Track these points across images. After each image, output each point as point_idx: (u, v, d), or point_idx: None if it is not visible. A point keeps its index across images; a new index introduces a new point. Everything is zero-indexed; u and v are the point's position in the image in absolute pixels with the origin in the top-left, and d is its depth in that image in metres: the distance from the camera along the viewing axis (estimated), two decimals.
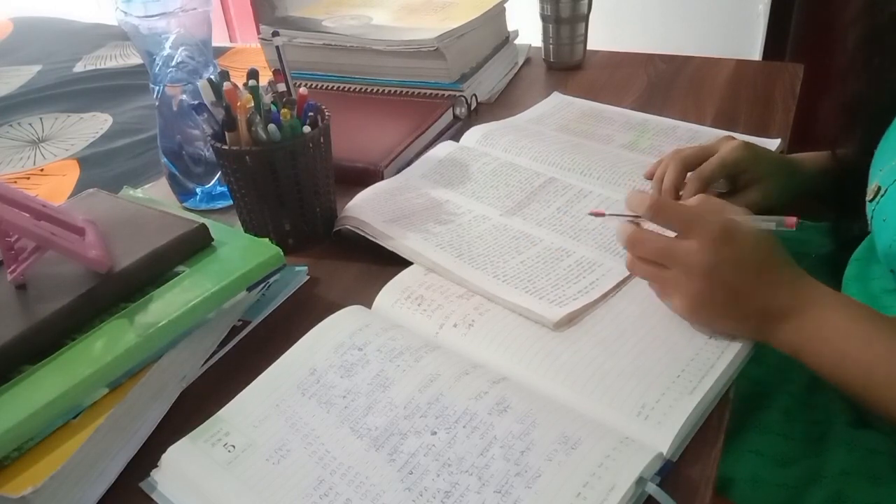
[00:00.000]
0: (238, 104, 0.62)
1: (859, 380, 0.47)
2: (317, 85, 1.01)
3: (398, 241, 0.64)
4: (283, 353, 0.53)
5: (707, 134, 0.78)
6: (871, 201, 0.57)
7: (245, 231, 0.69)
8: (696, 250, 0.49)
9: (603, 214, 0.57)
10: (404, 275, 0.61)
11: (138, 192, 0.73)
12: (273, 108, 0.63)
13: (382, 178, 0.78)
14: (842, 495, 0.55)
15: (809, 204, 0.71)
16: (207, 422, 0.49)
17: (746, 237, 0.50)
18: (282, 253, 0.60)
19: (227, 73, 0.64)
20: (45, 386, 0.46)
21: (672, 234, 0.52)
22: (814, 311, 0.49)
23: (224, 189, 0.75)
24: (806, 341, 0.49)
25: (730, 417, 0.48)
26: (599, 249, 0.61)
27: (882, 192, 0.56)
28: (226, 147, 0.63)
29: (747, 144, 0.66)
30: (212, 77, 0.63)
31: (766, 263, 0.50)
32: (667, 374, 0.48)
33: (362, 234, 0.66)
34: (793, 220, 0.51)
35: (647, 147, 0.79)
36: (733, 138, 0.67)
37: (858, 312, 0.50)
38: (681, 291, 0.51)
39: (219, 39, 1.31)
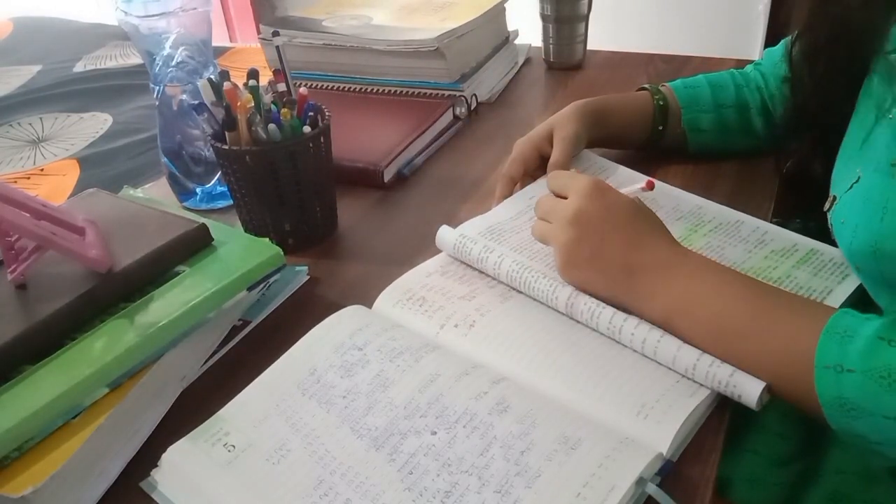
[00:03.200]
0: (238, 104, 0.62)
1: (734, 337, 0.47)
2: (317, 85, 1.01)
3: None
4: (283, 353, 0.53)
5: (775, 232, 0.63)
6: (828, 210, 0.58)
7: (245, 231, 0.69)
8: (569, 202, 0.54)
9: None
10: (406, 276, 0.61)
11: (138, 192, 0.73)
12: (273, 108, 0.63)
13: (383, 179, 0.78)
14: (838, 494, 0.55)
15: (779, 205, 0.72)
16: (207, 422, 0.49)
17: (615, 194, 0.54)
18: (282, 253, 0.60)
19: (227, 72, 0.64)
20: (45, 386, 0.46)
21: None
22: (683, 271, 0.50)
23: (224, 189, 0.76)
24: (676, 300, 0.49)
25: (728, 417, 0.48)
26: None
27: (836, 199, 0.58)
28: (226, 147, 0.63)
29: (574, 116, 0.72)
30: (212, 77, 0.63)
31: (633, 220, 0.53)
32: (667, 375, 0.48)
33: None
34: (647, 182, 0.59)
35: (702, 246, 0.61)
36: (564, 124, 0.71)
37: (729, 273, 0.50)
38: (555, 242, 0.54)
39: (219, 39, 1.31)
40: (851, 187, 0.55)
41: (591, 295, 0.53)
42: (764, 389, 0.45)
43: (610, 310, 0.52)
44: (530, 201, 0.68)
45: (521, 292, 0.58)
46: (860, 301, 0.56)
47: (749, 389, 0.45)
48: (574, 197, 0.54)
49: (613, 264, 0.51)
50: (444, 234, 0.63)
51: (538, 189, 0.71)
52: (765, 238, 0.62)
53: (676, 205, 0.67)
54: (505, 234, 0.64)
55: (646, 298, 0.51)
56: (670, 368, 0.49)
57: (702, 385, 0.47)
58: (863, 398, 0.41)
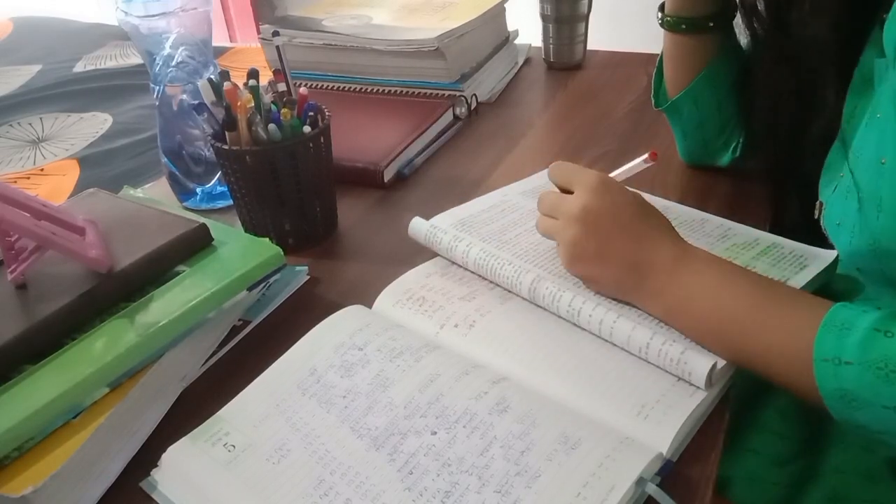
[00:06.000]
0: (238, 104, 0.62)
1: (733, 331, 0.47)
2: (317, 85, 1.01)
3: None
4: (283, 353, 0.53)
5: (739, 228, 0.64)
6: (818, 217, 0.59)
7: (245, 231, 0.69)
8: (575, 198, 0.54)
9: None
10: (406, 277, 0.61)
11: (138, 192, 0.73)
12: (273, 107, 0.63)
13: (383, 179, 0.78)
14: (838, 494, 0.55)
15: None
16: (207, 422, 0.49)
17: (622, 190, 0.54)
18: (282, 253, 0.60)
19: (228, 72, 0.64)
20: (45, 386, 0.46)
21: None
22: (688, 267, 0.50)
23: (224, 189, 0.76)
24: (680, 297, 0.49)
25: (728, 417, 0.48)
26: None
27: (825, 205, 0.58)
28: (226, 147, 0.63)
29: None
30: (212, 77, 0.63)
31: (639, 217, 0.53)
32: (667, 376, 0.48)
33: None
34: (651, 154, 0.56)
35: None
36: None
37: (730, 268, 0.50)
38: (561, 239, 0.54)
39: (219, 39, 1.31)
40: (835, 189, 0.55)
41: (597, 291, 0.53)
42: (713, 367, 0.46)
43: (570, 293, 0.53)
44: (504, 197, 0.71)
45: (485, 279, 0.59)
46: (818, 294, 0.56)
47: (698, 367, 0.46)
48: (580, 192, 0.53)
49: (619, 261, 0.52)
50: (417, 224, 0.64)
51: (514, 189, 0.72)
52: (728, 233, 0.63)
53: None
54: (476, 226, 0.65)
55: (650, 295, 0.51)
56: (624, 349, 0.50)
57: (658, 367, 0.48)
58: (862, 389, 0.41)
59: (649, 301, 0.51)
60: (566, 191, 0.56)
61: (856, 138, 0.53)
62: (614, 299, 0.53)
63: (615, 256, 0.52)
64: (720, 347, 0.48)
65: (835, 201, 0.56)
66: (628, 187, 0.64)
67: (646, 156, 0.57)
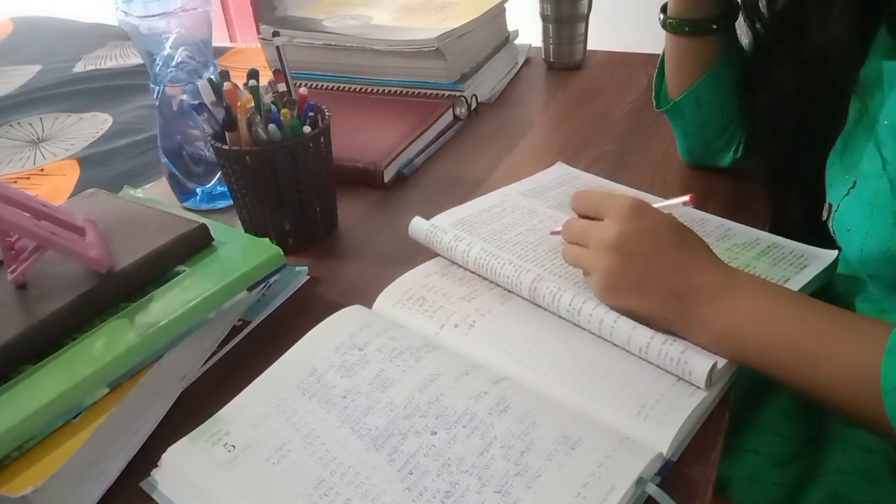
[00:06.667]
0: (238, 104, 0.62)
1: (786, 357, 0.46)
2: (317, 85, 1.01)
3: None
4: (283, 353, 0.53)
5: (739, 228, 0.64)
6: (827, 220, 0.58)
7: (245, 231, 0.69)
8: (607, 226, 0.51)
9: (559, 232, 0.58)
10: (406, 277, 0.61)
11: (138, 192, 0.73)
12: (273, 108, 0.63)
13: (383, 179, 0.78)
14: (838, 494, 0.55)
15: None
16: (207, 422, 0.49)
17: (657, 214, 0.51)
18: (282, 253, 0.60)
19: (228, 72, 0.64)
20: (45, 386, 0.46)
21: None
22: (736, 293, 0.48)
23: (224, 189, 0.76)
24: (731, 324, 0.47)
25: (728, 417, 0.48)
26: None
27: (834, 208, 0.57)
28: (226, 147, 0.63)
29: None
30: (212, 77, 0.63)
31: (678, 243, 0.50)
32: (666, 376, 0.48)
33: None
34: (691, 196, 0.54)
35: None
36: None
37: (779, 292, 0.49)
38: (595, 268, 0.51)
39: (219, 39, 1.31)
40: (849, 193, 0.55)
41: (636, 319, 0.50)
42: (713, 367, 0.46)
43: (570, 293, 0.53)
44: (504, 197, 0.71)
45: (485, 279, 0.59)
46: (819, 294, 0.56)
47: (698, 367, 0.46)
48: (613, 219, 0.51)
49: (661, 290, 0.49)
50: (417, 224, 0.65)
51: (514, 189, 0.72)
52: (728, 233, 0.63)
53: None
54: (476, 226, 0.65)
55: (697, 324, 0.48)
56: (625, 349, 0.50)
57: (658, 367, 0.48)
58: None
59: (696, 330, 0.48)
60: (593, 219, 0.53)
61: (863, 143, 0.53)
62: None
63: (656, 285, 0.49)
64: (775, 374, 0.46)
65: (847, 207, 0.55)
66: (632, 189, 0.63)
67: (686, 198, 0.54)
